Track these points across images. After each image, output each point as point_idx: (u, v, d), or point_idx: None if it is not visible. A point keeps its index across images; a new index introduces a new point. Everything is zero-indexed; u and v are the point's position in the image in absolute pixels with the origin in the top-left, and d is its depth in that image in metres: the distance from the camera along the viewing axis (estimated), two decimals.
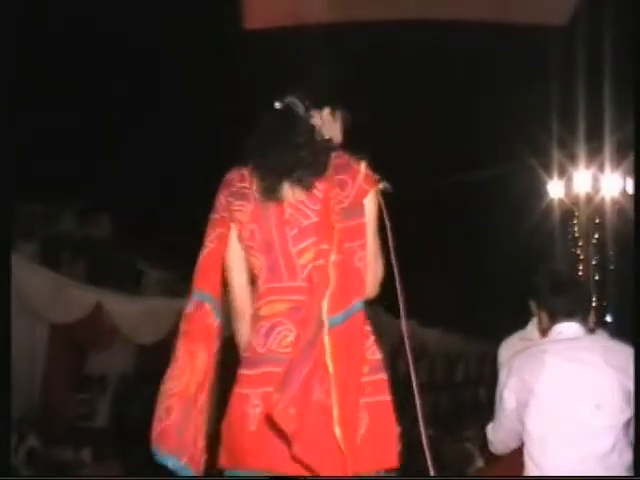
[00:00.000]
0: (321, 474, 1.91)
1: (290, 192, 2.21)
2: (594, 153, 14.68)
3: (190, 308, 2.27)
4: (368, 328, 2.20)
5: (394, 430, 2.13)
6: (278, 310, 2.19)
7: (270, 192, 2.21)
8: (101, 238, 12.76)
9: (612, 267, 16.35)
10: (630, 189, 14.54)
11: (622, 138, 13.78)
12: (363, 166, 2.23)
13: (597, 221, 15.64)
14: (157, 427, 2.26)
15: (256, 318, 2.24)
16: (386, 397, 2.16)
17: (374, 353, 2.20)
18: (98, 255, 12.15)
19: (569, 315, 2.75)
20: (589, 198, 15.08)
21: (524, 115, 14.37)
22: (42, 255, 10.60)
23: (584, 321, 2.78)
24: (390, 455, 2.10)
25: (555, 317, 2.78)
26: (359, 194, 2.19)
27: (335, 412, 1.89)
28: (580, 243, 15.73)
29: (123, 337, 10.46)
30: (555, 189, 15.13)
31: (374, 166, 2.26)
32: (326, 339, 1.95)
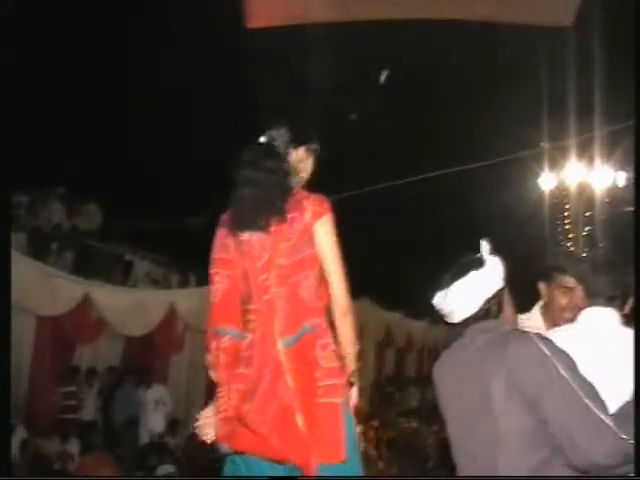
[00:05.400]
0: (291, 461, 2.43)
1: (255, 229, 2.58)
2: (585, 146, 14.67)
3: (226, 343, 2.61)
4: (327, 340, 2.55)
5: (341, 429, 2.45)
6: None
7: (240, 228, 2.59)
8: (89, 229, 12.67)
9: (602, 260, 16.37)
10: (620, 182, 14.55)
11: (613, 131, 13.78)
12: (310, 202, 2.55)
13: (587, 214, 15.66)
14: (219, 432, 2.59)
15: None
16: (336, 400, 2.48)
17: (331, 361, 2.53)
18: (86, 246, 12.07)
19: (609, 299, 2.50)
20: (580, 191, 15.09)
21: (516, 108, 14.37)
22: (29, 246, 10.51)
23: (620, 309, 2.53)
24: (336, 450, 2.42)
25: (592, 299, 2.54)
26: (306, 228, 2.53)
27: (298, 415, 2.41)
28: (570, 236, 15.74)
29: (111, 329, 10.41)
30: (546, 182, 15.13)
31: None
32: (283, 358, 2.47)
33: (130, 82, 14.32)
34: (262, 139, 2.71)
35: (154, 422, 10.22)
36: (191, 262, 13.29)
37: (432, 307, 2.46)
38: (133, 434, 9.85)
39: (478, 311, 2.38)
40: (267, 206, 2.54)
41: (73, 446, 8.47)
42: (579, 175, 14.85)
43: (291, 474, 2.47)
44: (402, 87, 14.77)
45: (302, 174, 2.73)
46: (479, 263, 2.40)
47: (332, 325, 2.61)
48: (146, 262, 13.41)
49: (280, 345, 2.49)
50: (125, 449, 9.00)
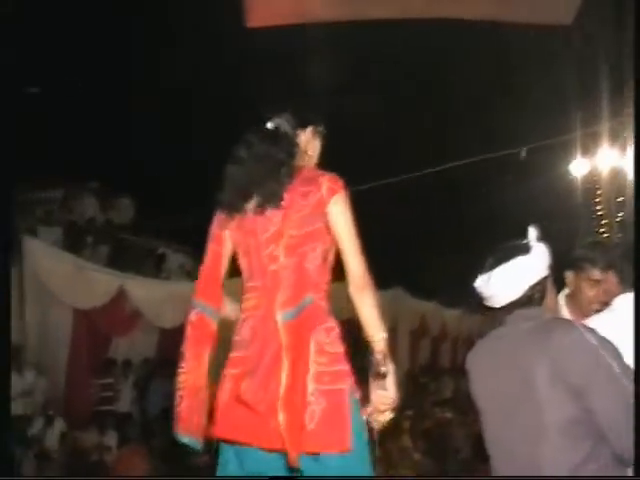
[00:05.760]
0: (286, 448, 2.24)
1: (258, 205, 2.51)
2: (617, 131, 14.47)
3: (193, 317, 2.58)
4: (331, 324, 2.45)
5: (347, 416, 2.33)
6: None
7: (235, 209, 2.55)
8: (123, 223, 12.80)
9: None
10: None
11: None
12: (326, 178, 2.48)
13: (620, 200, 15.45)
14: (175, 412, 2.57)
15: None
16: (343, 386, 2.37)
17: (336, 346, 2.42)
18: (120, 240, 12.19)
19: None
20: (612, 176, 14.89)
21: (547, 94, 14.22)
22: (64, 240, 10.65)
23: None
24: (343, 438, 2.31)
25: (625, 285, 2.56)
26: (320, 202, 2.45)
27: (281, 396, 2.25)
28: (604, 222, 15.56)
29: (146, 321, 10.51)
30: (578, 168, 14.95)
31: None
32: (281, 332, 2.33)
33: (130, 82, 14.37)
34: (269, 125, 2.64)
35: None
36: None
37: (467, 296, 2.45)
38: (169, 426, 9.93)
39: (521, 297, 2.35)
40: (264, 188, 2.49)
41: (111, 438, 8.57)
42: (611, 160, 14.64)
43: (290, 473, 2.32)
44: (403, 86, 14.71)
45: (311, 153, 2.70)
46: (526, 249, 2.38)
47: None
48: (180, 254, 13.51)
49: (280, 319, 2.35)
50: (161, 441, 9.08)
